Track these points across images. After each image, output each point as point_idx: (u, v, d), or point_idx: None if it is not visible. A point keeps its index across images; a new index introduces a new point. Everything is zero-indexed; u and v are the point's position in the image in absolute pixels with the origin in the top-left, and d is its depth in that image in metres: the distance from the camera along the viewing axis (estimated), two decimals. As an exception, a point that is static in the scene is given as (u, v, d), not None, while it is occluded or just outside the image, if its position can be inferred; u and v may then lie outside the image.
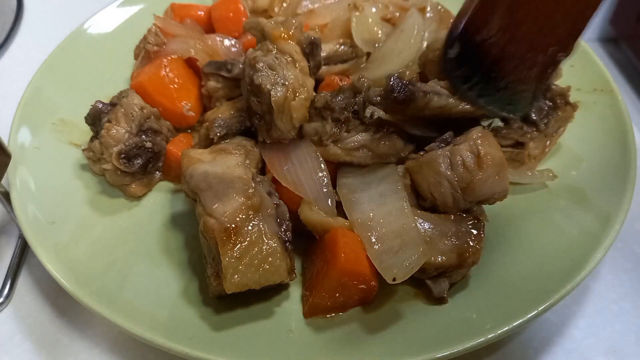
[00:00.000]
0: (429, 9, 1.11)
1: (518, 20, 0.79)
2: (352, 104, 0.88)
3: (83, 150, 0.99)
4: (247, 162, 0.86)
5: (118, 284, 0.84)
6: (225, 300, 0.82)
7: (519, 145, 0.99)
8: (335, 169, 0.90)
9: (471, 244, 0.81)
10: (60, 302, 0.91)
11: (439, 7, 1.13)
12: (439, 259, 0.80)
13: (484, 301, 0.81)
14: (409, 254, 0.76)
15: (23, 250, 0.98)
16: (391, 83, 0.86)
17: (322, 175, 0.87)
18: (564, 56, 0.83)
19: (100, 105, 0.99)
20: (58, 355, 0.86)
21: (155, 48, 1.09)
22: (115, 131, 0.96)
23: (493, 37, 0.81)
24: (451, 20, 0.95)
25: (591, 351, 0.86)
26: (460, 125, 0.89)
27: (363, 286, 0.79)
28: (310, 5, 1.19)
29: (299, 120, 0.86)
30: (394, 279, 0.75)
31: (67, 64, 1.15)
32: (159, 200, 0.99)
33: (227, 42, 1.14)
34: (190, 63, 1.10)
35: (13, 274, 0.94)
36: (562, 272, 0.81)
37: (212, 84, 1.04)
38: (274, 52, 0.88)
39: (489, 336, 0.74)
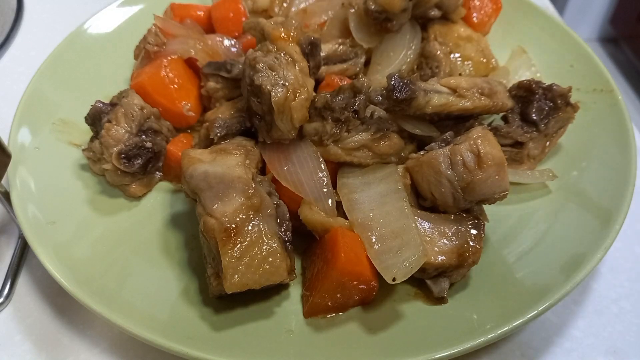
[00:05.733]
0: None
1: None
2: (352, 104, 0.88)
3: (83, 150, 0.99)
4: (247, 162, 0.86)
5: (118, 284, 0.84)
6: (225, 300, 0.82)
7: (518, 145, 0.99)
8: (336, 169, 0.90)
9: (471, 244, 0.81)
10: (60, 302, 0.91)
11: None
12: (439, 259, 0.80)
13: (484, 301, 0.81)
14: (409, 254, 0.76)
15: (23, 250, 0.98)
16: (392, 83, 0.86)
17: (322, 176, 0.87)
18: None
19: (100, 105, 0.99)
20: (58, 355, 0.85)
21: (155, 48, 1.09)
22: (115, 131, 0.96)
23: None
24: None
25: (591, 351, 0.86)
26: (460, 119, 0.89)
27: (363, 286, 0.79)
28: (303, 4, 1.18)
29: (299, 121, 0.86)
30: (393, 279, 0.75)
31: (67, 64, 1.15)
32: (159, 200, 0.99)
33: (227, 42, 1.14)
34: (190, 63, 1.10)
35: (13, 274, 0.94)
36: (562, 272, 0.81)
37: (211, 84, 1.04)
38: (274, 52, 0.88)
39: (489, 336, 0.74)
